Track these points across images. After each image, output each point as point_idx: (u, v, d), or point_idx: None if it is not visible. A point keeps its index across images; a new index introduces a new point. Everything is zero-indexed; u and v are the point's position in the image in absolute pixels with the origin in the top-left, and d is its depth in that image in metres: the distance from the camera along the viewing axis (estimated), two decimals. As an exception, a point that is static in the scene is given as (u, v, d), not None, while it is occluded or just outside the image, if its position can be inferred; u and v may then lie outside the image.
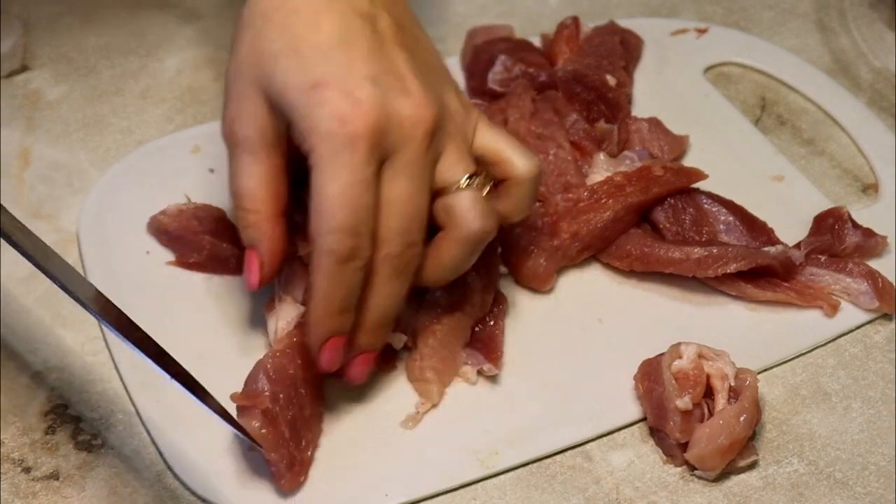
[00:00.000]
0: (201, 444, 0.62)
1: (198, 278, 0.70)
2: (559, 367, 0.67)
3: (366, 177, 0.57)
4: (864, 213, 0.74)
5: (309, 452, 0.61)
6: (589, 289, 0.71)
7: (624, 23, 0.85)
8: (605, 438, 0.64)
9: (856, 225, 0.72)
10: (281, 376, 0.61)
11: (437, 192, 0.61)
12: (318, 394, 0.63)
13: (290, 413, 0.60)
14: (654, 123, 0.77)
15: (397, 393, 0.65)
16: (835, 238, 0.71)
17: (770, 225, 0.72)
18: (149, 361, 0.56)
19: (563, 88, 0.78)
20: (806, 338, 0.69)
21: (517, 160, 0.63)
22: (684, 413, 0.61)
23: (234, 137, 0.60)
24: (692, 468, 0.62)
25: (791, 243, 0.71)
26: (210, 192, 0.74)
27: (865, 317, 0.69)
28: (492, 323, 0.67)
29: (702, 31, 0.87)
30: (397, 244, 0.59)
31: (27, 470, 0.62)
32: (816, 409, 0.66)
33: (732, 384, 0.62)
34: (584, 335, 0.68)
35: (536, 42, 0.84)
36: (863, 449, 0.64)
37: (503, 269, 0.70)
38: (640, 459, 0.63)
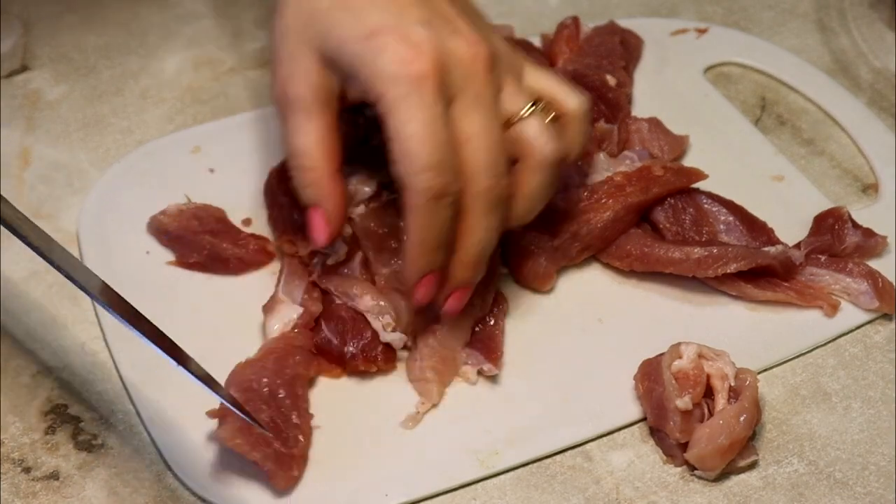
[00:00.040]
0: (201, 444, 0.62)
1: (198, 278, 0.70)
2: (559, 367, 0.67)
3: (439, 113, 0.58)
4: (864, 213, 0.74)
5: (297, 449, 0.61)
6: (589, 289, 0.71)
7: (624, 23, 0.85)
8: (605, 438, 0.64)
9: (856, 225, 0.72)
10: (250, 385, 0.62)
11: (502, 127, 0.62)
12: (301, 392, 0.63)
13: (266, 416, 0.60)
14: (654, 123, 0.77)
15: (397, 393, 0.65)
16: (835, 238, 0.71)
17: (770, 225, 0.72)
18: (154, 347, 0.56)
19: (563, 88, 0.78)
20: (806, 338, 0.69)
21: (567, 96, 0.65)
22: (684, 413, 0.61)
23: (287, 98, 0.62)
24: (692, 468, 0.62)
25: (791, 243, 0.71)
26: (210, 192, 0.74)
27: (865, 317, 0.69)
28: (492, 323, 0.67)
29: (702, 31, 0.87)
30: (488, 177, 0.60)
31: (27, 470, 0.62)
32: (816, 409, 0.66)
33: (732, 384, 0.62)
34: (584, 335, 0.68)
35: (536, 42, 0.84)
36: (863, 449, 0.64)
37: (503, 269, 0.70)
38: (640, 459, 0.63)
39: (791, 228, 0.72)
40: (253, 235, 0.72)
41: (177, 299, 0.69)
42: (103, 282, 0.56)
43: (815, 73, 0.85)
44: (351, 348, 0.65)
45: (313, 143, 0.61)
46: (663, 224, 0.72)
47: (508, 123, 0.62)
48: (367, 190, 0.68)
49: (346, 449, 0.63)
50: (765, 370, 0.67)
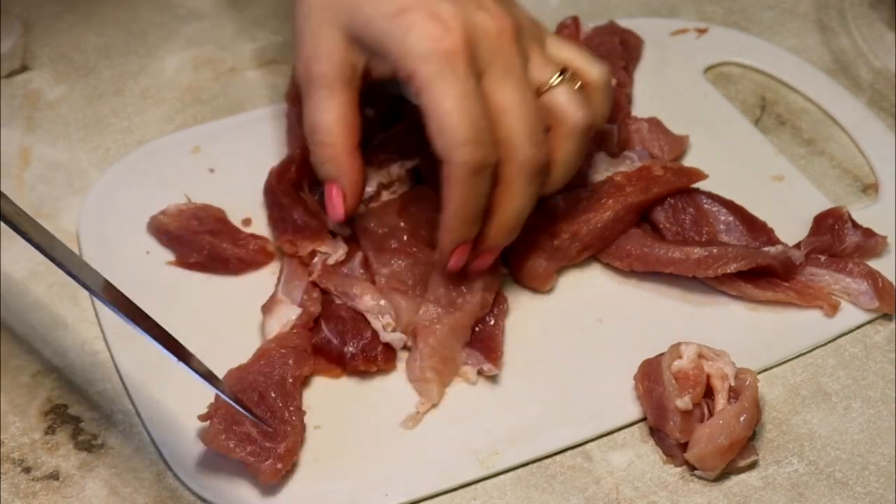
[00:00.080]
0: (201, 445, 0.62)
1: (198, 278, 0.70)
2: (559, 367, 0.67)
3: (472, 87, 0.59)
4: (864, 213, 0.74)
5: (285, 444, 0.60)
6: (589, 289, 0.71)
7: (624, 23, 0.85)
8: (605, 438, 0.64)
9: (856, 225, 0.72)
10: (241, 387, 0.62)
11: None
12: (292, 391, 0.63)
13: (256, 412, 0.60)
14: (654, 123, 0.77)
15: (397, 393, 0.65)
16: (835, 238, 0.71)
17: (770, 225, 0.72)
18: (156, 344, 0.56)
19: (563, 88, 0.78)
20: (806, 338, 0.69)
21: (590, 66, 0.66)
22: (684, 413, 0.61)
23: (310, 74, 0.63)
24: (692, 468, 0.62)
25: (791, 243, 0.71)
26: (210, 192, 0.74)
27: (865, 317, 0.69)
28: (492, 323, 0.67)
29: (702, 31, 0.87)
30: (529, 146, 0.61)
31: (27, 470, 0.62)
32: (816, 409, 0.66)
33: (732, 384, 0.62)
34: (584, 335, 0.68)
35: (536, 42, 0.84)
36: (863, 449, 0.64)
37: (503, 269, 0.70)
38: (640, 459, 0.63)
39: (791, 228, 0.72)
40: (253, 235, 0.72)
41: (177, 299, 0.69)
42: (105, 279, 0.56)
43: (815, 73, 0.85)
44: (351, 348, 0.65)
45: (334, 119, 0.63)
46: (663, 224, 0.72)
47: (538, 93, 0.63)
48: (367, 190, 0.68)
49: (346, 449, 0.63)
50: (765, 370, 0.67)
